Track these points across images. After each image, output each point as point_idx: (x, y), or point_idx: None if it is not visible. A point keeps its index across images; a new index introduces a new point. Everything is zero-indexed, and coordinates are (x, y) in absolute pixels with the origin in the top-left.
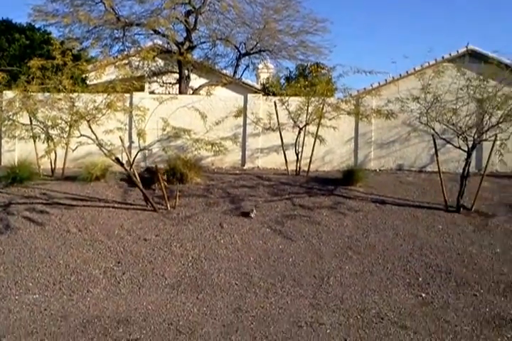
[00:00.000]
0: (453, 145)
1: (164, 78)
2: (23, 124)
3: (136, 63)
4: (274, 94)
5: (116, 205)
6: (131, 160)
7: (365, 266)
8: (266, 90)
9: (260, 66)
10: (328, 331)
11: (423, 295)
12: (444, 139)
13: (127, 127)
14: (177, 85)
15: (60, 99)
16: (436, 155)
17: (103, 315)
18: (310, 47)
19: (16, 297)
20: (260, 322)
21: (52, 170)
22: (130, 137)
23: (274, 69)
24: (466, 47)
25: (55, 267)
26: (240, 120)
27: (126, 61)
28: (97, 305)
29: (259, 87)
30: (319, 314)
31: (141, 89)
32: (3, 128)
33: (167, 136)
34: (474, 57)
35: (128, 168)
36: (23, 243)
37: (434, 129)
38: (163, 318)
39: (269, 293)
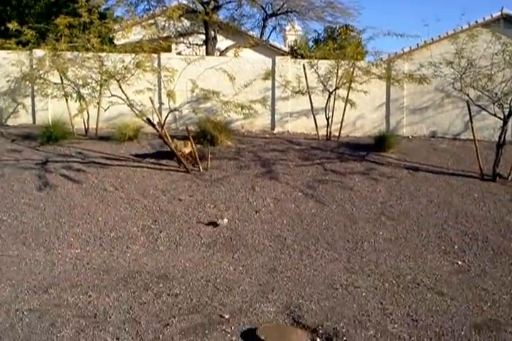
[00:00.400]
0: (488, 112)
1: (191, 39)
2: (55, 83)
3: (162, 23)
4: (303, 57)
5: (149, 165)
6: (162, 121)
7: (399, 232)
8: (294, 53)
9: (287, 28)
10: (363, 294)
11: (459, 262)
12: (478, 106)
13: (156, 88)
14: (204, 47)
15: (89, 58)
16: (471, 122)
17: (143, 271)
18: (338, 8)
19: (59, 251)
20: (295, 283)
21: (86, 130)
22: (160, 98)
23: (301, 31)
24: (501, 11)
25: (94, 224)
26: (269, 83)
27: (152, 21)
28: (136, 260)
29: (286, 49)
30: (354, 277)
31: (168, 49)
32: (35, 87)
33: (196, 97)
34: (509, 21)
35: (159, 129)
36: (62, 200)
37: (468, 95)
38: (201, 275)
39: (303, 255)
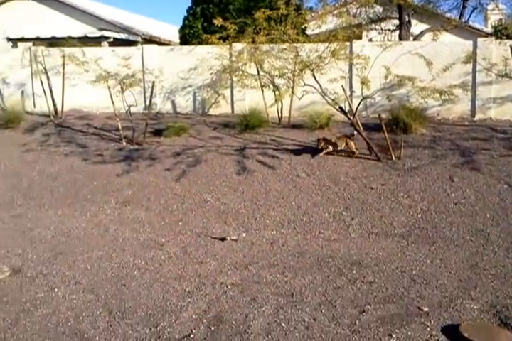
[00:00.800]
0: None
1: (382, 25)
2: (252, 75)
3: (354, 11)
4: (509, 37)
5: (340, 153)
6: (354, 109)
7: None
8: (498, 33)
9: (490, 7)
10: None
11: None
12: None
13: (347, 76)
14: (396, 32)
15: (285, 49)
16: None
17: (336, 256)
18: None
19: (257, 232)
20: (502, 282)
21: (279, 118)
22: (351, 86)
23: (506, 10)
24: None
25: (288, 208)
26: (469, 67)
27: (344, 9)
28: (329, 246)
29: (489, 30)
30: None
31: (359, 37)
32: (235, 79)
33: (390, 84)
34: None
35: (351, 117)
36: (258, 184)
37: None
38: (396, 266)
39: (509, 252)
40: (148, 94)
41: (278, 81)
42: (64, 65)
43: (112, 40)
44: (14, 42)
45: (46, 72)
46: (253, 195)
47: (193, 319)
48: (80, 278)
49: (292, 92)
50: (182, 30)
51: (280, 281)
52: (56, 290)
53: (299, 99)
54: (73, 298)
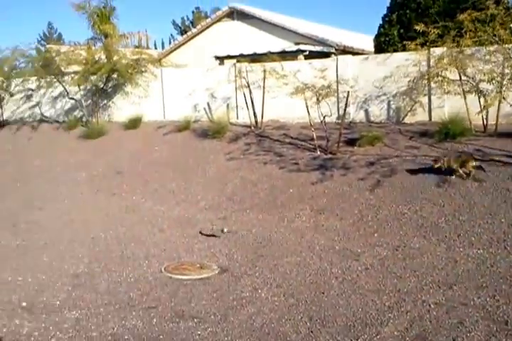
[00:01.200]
0: None
1: None
2: (452, 80)
3: None
4: None
5: None
6: None
7: None
8: None
9: None
10: None
11: None
12: None
13: None
14: None
15: (493, 52)
16: None
17: None
18: None
19: (460, 249)
20: None
21: (484, 126)
22: None
23: None
24: None
25: (496, 225)
26: None
27: None
28: None
29: None
30: None
31: None
32: (434, 85)
33: None
34: None
35: None
36: (461, 197)
37: None
38: None
39: None
40: (342, 104)
41: (484, 86)
42: (264, 78)
43: (307, 53)
44: (221, 59)
45: (249, 86)
46: (455, 209)
47: (395, 335)
48: (281, 281)
49: (504, 98)
50: (377, 38)
51: (491, 306)
52: (259, 291)
53: (511, 105)
54: (275, 300)
